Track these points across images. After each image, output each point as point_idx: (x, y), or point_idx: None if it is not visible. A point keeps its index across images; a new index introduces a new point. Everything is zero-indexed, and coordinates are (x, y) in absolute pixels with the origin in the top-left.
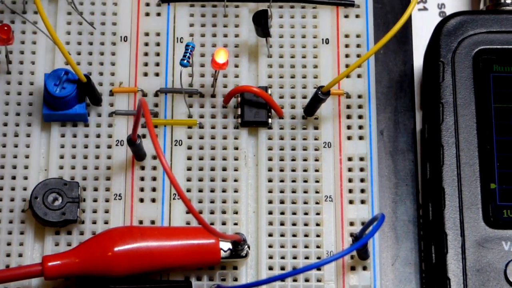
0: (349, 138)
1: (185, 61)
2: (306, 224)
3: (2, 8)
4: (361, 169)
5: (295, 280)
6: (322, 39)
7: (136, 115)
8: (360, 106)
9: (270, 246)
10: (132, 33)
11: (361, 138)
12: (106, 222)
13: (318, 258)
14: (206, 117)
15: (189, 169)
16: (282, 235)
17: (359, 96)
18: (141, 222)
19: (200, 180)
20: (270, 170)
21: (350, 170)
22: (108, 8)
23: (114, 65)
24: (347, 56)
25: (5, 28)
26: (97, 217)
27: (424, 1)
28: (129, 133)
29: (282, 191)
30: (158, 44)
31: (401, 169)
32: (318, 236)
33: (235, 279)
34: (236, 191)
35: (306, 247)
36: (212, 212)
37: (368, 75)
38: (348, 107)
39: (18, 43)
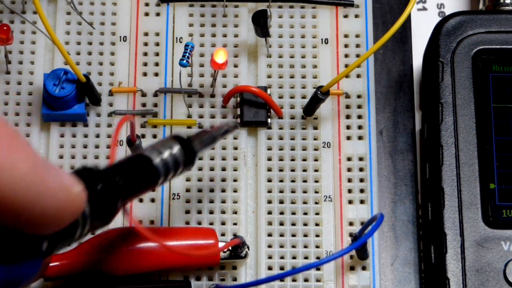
0: (348, 138)
1: (185, 61)
2: (305, 224)
3: (1, 8)
4: (361, 169)
5: (294, 280)
6: (322, 39)
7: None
8: (359, 106)
9: (270, 246)
10: (132, 33)
11: (360, 138)
12: None
13: (317, 258)
14: (205, 117)
15: None
16: (281, 235)
17: (359, 96)
18: (140, 222)
19: (199, 180)
20: (269, 170)
21: (349, 170)
22: (107, 8)
23: (113, 65)
24: (346, 56)
25: (4, 28)
26: None
27: (423, 1)
28: (128, 133)
29: (281, 191)
30: (157, 44)
31: (401, 169)
32: (317, 236)
33: (234, 279)
34: (235, 191)
35: (305, 247)
36: (211, 212)
37: (367, 75)
38: (348, 107)
39: (17, 43)
